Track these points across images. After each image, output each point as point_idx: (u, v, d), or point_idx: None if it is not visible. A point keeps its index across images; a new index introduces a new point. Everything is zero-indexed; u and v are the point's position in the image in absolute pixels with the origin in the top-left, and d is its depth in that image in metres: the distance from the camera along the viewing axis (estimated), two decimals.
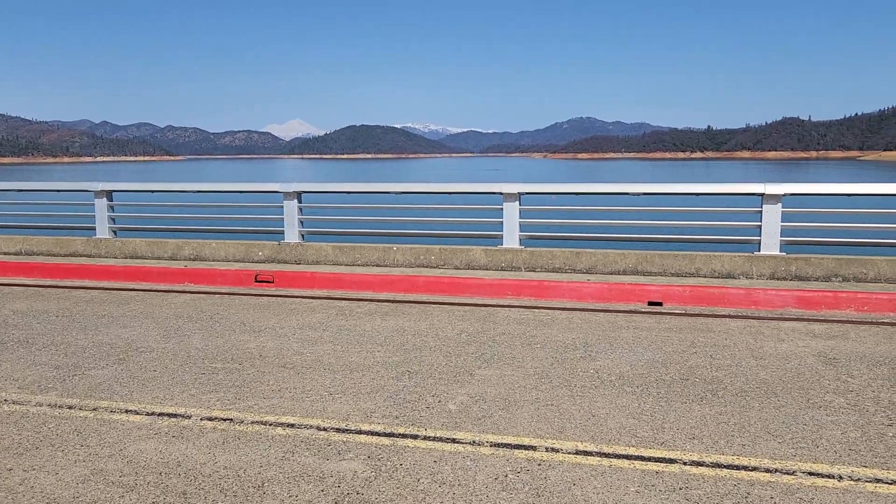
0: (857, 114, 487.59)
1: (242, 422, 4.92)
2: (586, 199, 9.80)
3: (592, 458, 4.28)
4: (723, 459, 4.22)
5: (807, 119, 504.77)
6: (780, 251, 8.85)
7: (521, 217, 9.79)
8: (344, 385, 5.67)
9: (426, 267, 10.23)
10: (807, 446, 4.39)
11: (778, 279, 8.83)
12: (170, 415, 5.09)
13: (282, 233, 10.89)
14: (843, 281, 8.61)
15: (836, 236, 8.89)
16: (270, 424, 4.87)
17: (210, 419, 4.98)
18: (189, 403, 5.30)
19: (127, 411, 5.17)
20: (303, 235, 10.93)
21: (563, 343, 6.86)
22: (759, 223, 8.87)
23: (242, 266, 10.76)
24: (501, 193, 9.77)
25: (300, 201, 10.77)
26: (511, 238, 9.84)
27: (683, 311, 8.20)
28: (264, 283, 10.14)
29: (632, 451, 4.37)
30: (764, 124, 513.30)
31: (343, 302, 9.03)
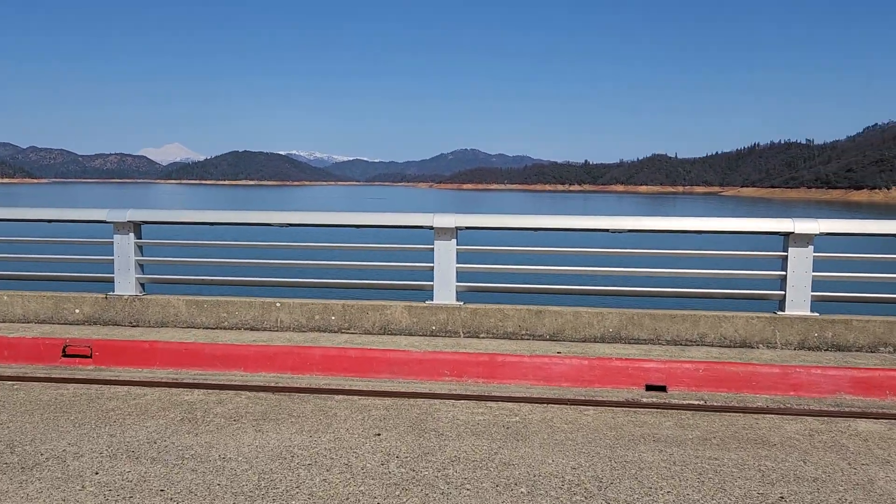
0: (717, 152, 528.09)
1: None
2: (548, 238, 7.16)
3: None
4: None
5: (674, 156, 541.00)
6: (811, 310, 6.58)
7: (458, 261, 7.02)
8: None
9: (324, 332, 7.21)
10: None
11: (809, 349, 6.54)
12: None
13: (111, 281, 7.52)
14: (895, 351, 6.45)
15: (872, 290, 6.74)
16: None
17: None
18: None
19: None
20: (143, 285, 7.60)
21: (561, 481, 4.10)
22: (784, 272, 6.57)
23: (48, 331, 7.28)
24: (432, 227, 6.97)
25: (139, 236, 7.47)
26: (445, 290, 7.04)
27: (702, 402, 5.69)
28: (77, 360, 6.74)
29: None
30: (636, 160, 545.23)
31: (196, 393, 5.84)
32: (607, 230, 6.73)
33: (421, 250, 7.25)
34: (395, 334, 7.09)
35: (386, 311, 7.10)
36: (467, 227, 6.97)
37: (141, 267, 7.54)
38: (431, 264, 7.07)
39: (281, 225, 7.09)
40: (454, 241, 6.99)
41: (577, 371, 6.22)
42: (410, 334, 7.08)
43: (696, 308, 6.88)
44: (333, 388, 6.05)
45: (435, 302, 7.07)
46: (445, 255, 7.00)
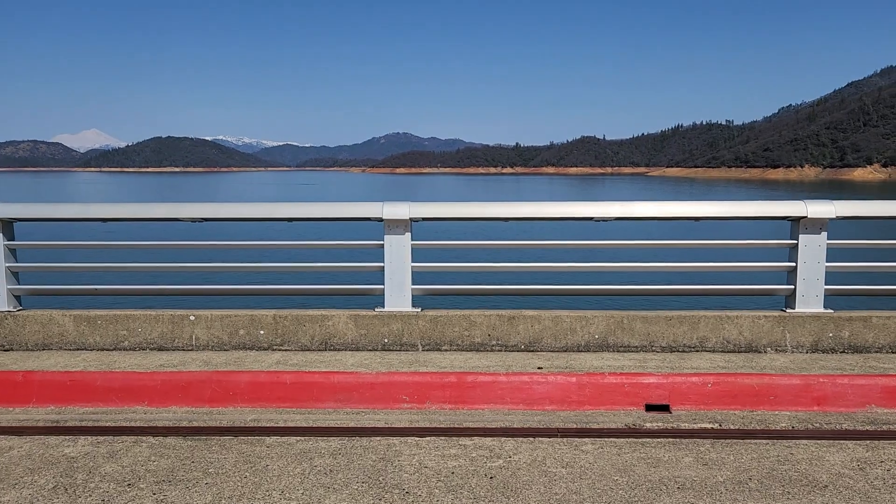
0: (643, 134, 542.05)
1: None
2: (517, 229, 5.98)
3: None
4: None
5: (602, 138, 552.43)
6: (825, 307, 5.68)
7: (414, 259, 5.81)
8: None
9: (251, 349, 5.89)
10: None
11: (823, 351, 5.64)
12: None
13: None
14: None
15: (891, 282, 5.90)
16: None
17: None
18: None
19: None
20: (18, 298, 6.07)
21: None
22: (793, 264, 5.65)
23: None
24: (381, 219, 5.72)
25: (10, 236, 5.93)
26: (398, 294, 5.82)
27: (716, 425, 4.71)
28: None
29: None
30: (566, 142, 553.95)
31: (81, 443, 4.47)
32: (591, 219, 5.64)
33: (368, 247, 6.00)
34: (340, 350, 5.85)
35: (327, 322, 5.84)
36: (424, 219, 5.75)
37: (14, 275, 6.01)
38: (381, 264, 5.84)
39: (192, 220, 5.68)
40: (408, 234, 5.77)
41: (564, 391, 5.14)
42: (358, 349, 5.84)
43: (692, 307, 5.90)
44: (264, 426, 4.78)
45: (387, 309, 5.85)
46: (398, 252, 5.78)
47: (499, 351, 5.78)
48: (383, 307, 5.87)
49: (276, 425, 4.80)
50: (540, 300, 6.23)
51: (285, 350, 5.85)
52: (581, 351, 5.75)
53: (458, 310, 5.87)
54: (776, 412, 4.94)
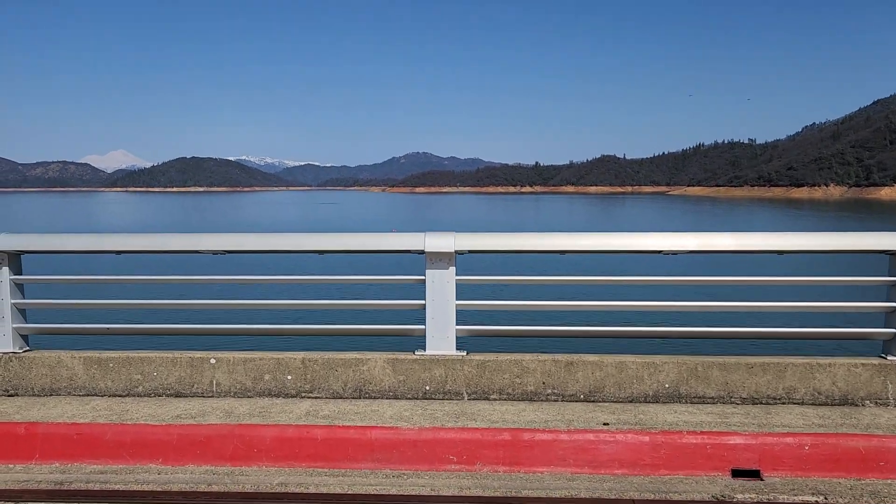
0: (664, 153, 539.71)
1: None
2: (572, 263, 5.34)
3: None
4: None
5: (622, 157, 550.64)
6: None
7: (459, 296, 5.19)
8: None
9: (278, 397, 5.29)
10: None
11: None
12: None
13: None
14: None
15: None
16: None
17: None
18: None
19: None
20: (24, 337, 5.54)
21: None
22: (893, 304, 4.95)
23: None
24: (423, 252, 5.13)
25: (17, 270, 5.42)
26: (442, 335, 5.20)
27: (822, 498, 4.00)
28: None
29: None
30: (586, 161, 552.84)
31: None
32: (661, 252, 4.99)
33: (406, 282, 5.39)
34: (376, 398, 5.23)
35: (361, 366, 5.23)
36: (470, 251, 5.14)
37: (21, 313, 5.48)
38: (421, 301, 5.23)
39: (213, 252, 5.13)
40: (452, 269, 5.16)
41: (636, 452, 4.47)
42: (396, 397, 5.22)
43: (776, 353, 5.19)
44: (292, 491, 4.16)
45: (428, 352, 5.23)
46: (441, 288, 5.16)
47: (555, 401, 5.12)
48: (424, 350, 5.24)
49: (306, 490, 4.18)
50: (601, 343, 5.57)
51: (315, 398, 5.24)
52: (649, 402, 5.07)
53: (508, 353, 5.22)
54: (889, 480, 4.23)
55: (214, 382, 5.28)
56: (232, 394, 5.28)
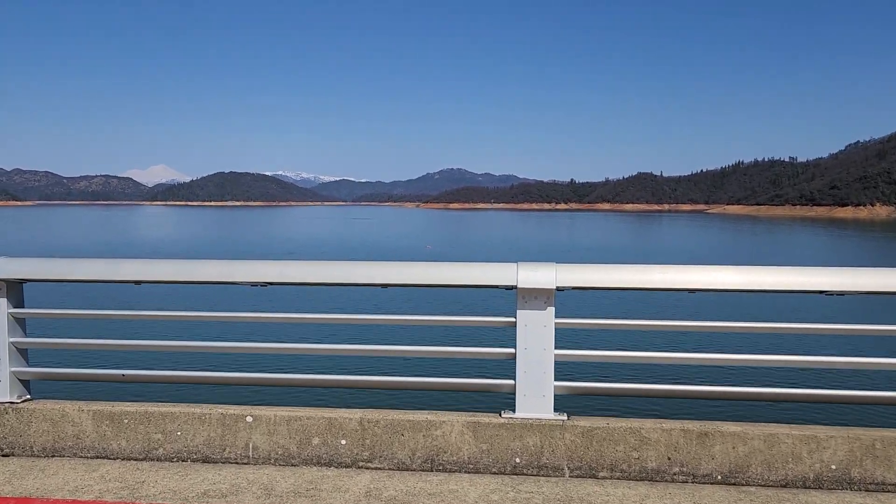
0: (702, 170, 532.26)
1: None
2: (705, 304, 4.18)
3: None
4: None
5: (659, 174, 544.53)
6: None
7: (557, 345, 4.09)
8: None
9: (329, 466, 4.23)
10: None
11: None
12: None
13: None
14: None
15: None
16: None
17: None
18: None
19: None
20: (24, 383, 4.60)
21: None
22: None
23: None
24: (514, 287, 4.05)
25: (17, 302, 4.49)
26: (536, 394, 4.10)
27: None
28: None
29: None
30: (622, 178, 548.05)
31: None
32: (823, 292, 3.83)
33: (493, 325, 4.30)
34: (452, 471, 4.13)
35: (434, 430, 4.14)
36: (575, 287, 4.03)
37: (21, 353, 4.52)
38: (511, 350, 4.14)
39: (253, 284, 4.12)
40: (551, 309, 4.06)
41: None
42: (477, 471, 4.11)
43: None
44: None
45: (519, 415, 4.12)
46: (537, 333, 4.06)
47: (683, 482, 3.96)
48: (513, 412, 4.14)
49: None
50: (743, 408, 4.40)
51: (376, 468, 4.17)
52: (810, 487, 3.88)
53: (622, 419, 4.09)
54: None
55: (251, 446, 4.24)
56: (272, 461, 4.24)
